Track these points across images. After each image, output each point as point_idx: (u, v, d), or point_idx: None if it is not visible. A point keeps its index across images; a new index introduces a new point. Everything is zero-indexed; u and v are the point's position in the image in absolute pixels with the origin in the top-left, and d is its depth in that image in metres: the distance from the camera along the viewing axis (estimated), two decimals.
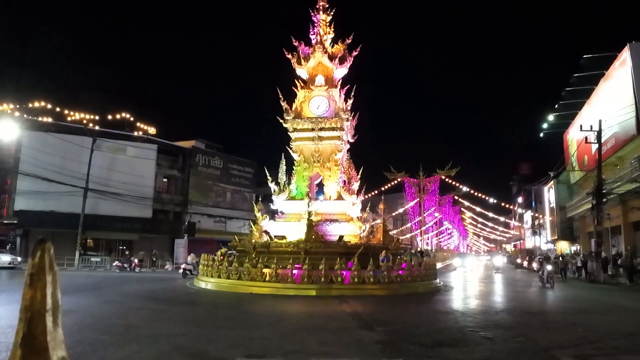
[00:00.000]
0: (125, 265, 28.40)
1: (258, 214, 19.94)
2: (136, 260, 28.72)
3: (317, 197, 20.56)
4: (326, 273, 15.13)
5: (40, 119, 34.99)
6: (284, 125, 20.61)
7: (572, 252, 38.91)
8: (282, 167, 20.97)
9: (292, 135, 20.76)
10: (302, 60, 21.01)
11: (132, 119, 40.42)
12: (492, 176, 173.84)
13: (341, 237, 17.95)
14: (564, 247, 44.54)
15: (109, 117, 38.26)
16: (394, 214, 58.42)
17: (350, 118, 20.55)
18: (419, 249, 44.85)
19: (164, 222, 37.94)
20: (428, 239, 60.41)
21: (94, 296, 13.29)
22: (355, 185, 20.70)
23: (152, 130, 41.78)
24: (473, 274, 32.93)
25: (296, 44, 21.21)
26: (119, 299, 12.80)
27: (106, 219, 32.89)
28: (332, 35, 21.75)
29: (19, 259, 26.71)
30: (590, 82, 32.64)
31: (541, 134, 41.92)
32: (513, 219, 71.20)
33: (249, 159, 46.63)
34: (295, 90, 21.15)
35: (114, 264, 29.17)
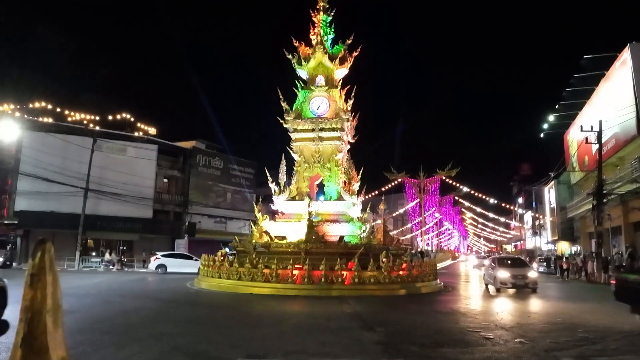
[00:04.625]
0: None
1: (258, 215, 19.93)
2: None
3: (318, 198, 20.55)
4: (326, 273, 15.14)
5: (40, 119, 34.95)
6: (285, 125, 20.60)
7: (573, 252, 38.93)
8: (283, 167, 20.94)
9: (293, 135, 20.75)
10: (303, 61, 21.00)
11: (132, 119, 40.39)
12: (492, 177, 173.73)
13: (341, 237, 17.95)
14: (564, 247, 44.55)
15: (110, 117, 38.20)
16: (394, 214, 58.47)
17: (351, 118, 20.54)
18: (419, 250, 44.86)
19: (165, 223, 37.92)
20: (428, 240, 60.44)
21: (94, 296, 13.29)
22: (356, 186, 20.67)
23: (152, 130, 41.77)
24: None
25: (296, 44, 21.21)
26: (119, 299, 12.80)
27: (106, 220, 32.88)
28: (332, 35, 21.74)
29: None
30: (591, 83, 32.66)
31: (541, 135, 42.03)
32: (513, 220, 71.23)
33: (249, 160, 46.70)
34: (296, 90, 21.15)
35: None
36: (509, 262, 18.51)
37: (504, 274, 16.51)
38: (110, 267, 29.38)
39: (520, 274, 16.53)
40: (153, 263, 26.77)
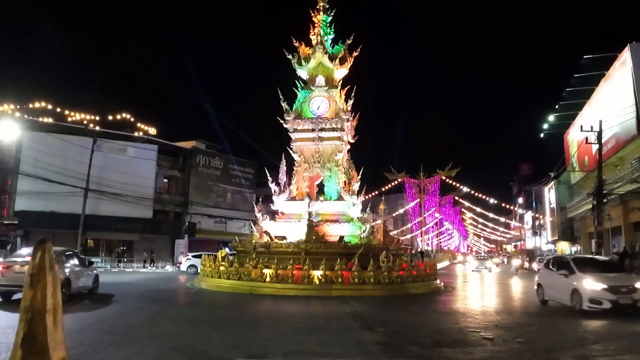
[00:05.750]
0: None
1: (258, 215, 19.93)
2: None
3: (318, 198, 20.55)
4: (326, 273, 15.13)
5: (40, 119, 34.95)
6: (285, 125, 20.60)
7: (573, 252, 38.92)
8: (283, 167, 20.94)
9: (293, 135, 20.75)
10: (303, 61, 20.99)
11: (132, 119, 40.37)
12: (492, 177, 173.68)
13: (342, 237, 17.94)
14: (564, 247, 44.55)
15: (110, 117, 38.19)
16: (394, 214, 58.45)
17: (351, 118, 20.54)
18: (419, 250, 44.86)
19: (165, 223, 37.91)
20: (428, 240, 60.44)
21: (93, 296, 13.28)
22: (356, 186, 20.69)
23: (152, 130, 41.75)
24: None
25: (296, 44, 21.20)
26: (119, 299, 12.80)
27: (106, 220, 32.88)
28: (332, 35, 21.75)
29: None
30: (591, 83, 32.66)
31: (542, 135, 42.03)
32: (513, 220, 71.19)
33: (249, 160, 46.69)
34: (296, 90, 21.14)
35: None
36: (598, 264, 12.21)
37: (596, 285, 10.44)
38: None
39: (625, 285, 10.47)
40: (184, 263, 28.38)
